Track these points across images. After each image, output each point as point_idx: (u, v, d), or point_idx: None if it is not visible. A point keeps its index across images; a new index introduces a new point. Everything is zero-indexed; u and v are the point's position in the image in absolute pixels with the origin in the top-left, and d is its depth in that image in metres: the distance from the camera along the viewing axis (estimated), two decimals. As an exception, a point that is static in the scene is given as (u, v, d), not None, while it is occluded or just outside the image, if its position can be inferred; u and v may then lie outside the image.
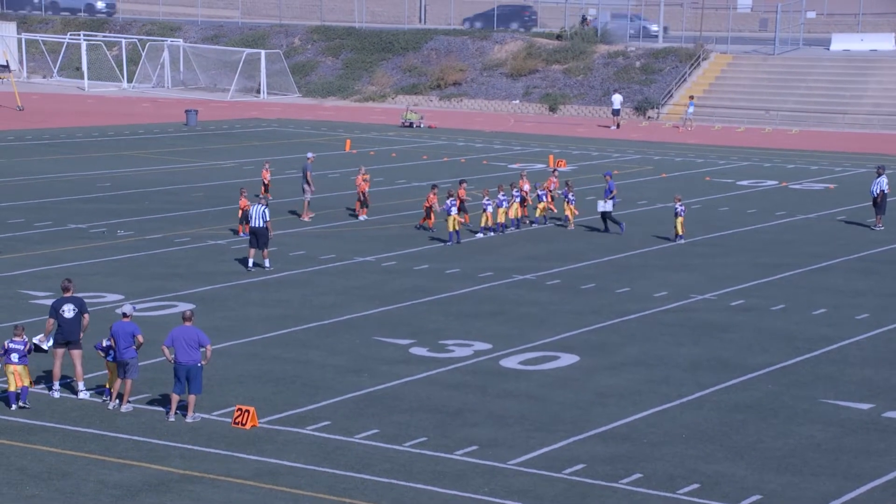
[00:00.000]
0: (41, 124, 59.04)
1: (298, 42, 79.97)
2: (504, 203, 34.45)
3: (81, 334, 20.00)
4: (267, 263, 29.20)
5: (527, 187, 36.12)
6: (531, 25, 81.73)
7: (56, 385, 20.01)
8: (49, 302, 21.82)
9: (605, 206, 34.35)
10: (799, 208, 39.55)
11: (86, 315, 20.01)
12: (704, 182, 45.54)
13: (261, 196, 31.43)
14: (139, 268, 29.26)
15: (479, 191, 36.67)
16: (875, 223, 36.31)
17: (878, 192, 36.19)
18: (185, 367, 18.77)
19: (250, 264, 29.19)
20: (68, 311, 19.86)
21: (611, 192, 34.56)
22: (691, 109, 63.02)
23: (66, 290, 20.18)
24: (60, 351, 19.96)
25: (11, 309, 24.89)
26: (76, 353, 19.89)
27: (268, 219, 29.04)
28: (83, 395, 19.92)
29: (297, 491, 16.46)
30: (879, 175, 36.39)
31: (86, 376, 20.05)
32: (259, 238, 29.04)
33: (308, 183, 35.62)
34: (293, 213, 36.74)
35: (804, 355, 23.24)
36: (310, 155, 37.05)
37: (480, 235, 33.74)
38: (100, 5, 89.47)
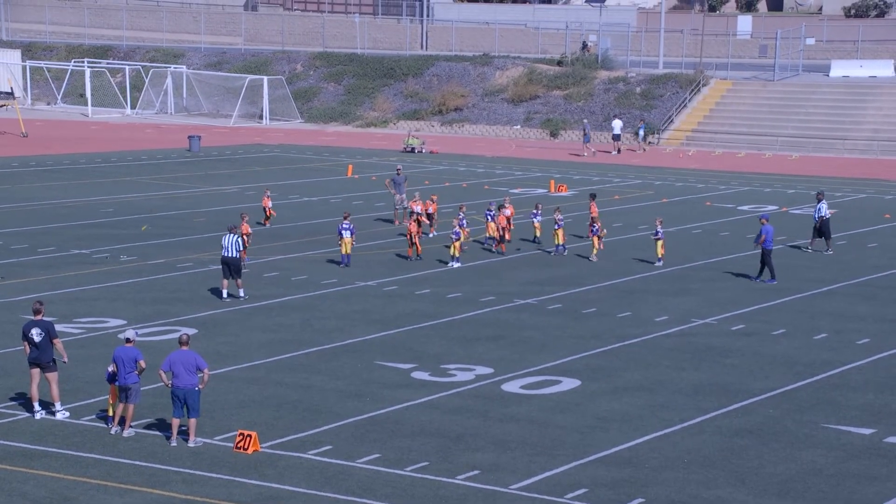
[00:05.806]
0: (45, 150, 59.19)
1: (301, 68, 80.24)
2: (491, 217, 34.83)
3: (64, 359, 20.00)
4: (241, 293, 28.72)
5: (507, 212, 35.81)
6: None
7: (36, 406, 20.02)
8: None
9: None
10: (799, 233, 39.58)
11: (55, 340, 19.85)
12: (705, 207, 45.65)
13: (233, 226, 29.69)
14: (142, 293, 29.32)
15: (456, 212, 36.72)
16: (825, 248, 36.16)
17: (818, 217, 36.21)
18: (183, 391, 18.80)
19: (224, 295, 28.64)
20: (36, 334, 19.83)
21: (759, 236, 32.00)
22: (641, 132, 65.35)
23: (36, 312, 20.10)
24: (35, 372, 19.94)
25: (15, 335, 24.89)
26: (51, 376, 19.89)
27: (241, 248, 28.83)
28: (61, 415, 19.95)
29: (298, 515, 16.47)
30: (819, 201, 36.32)
31: (89, 401, 20.05)
32: (231, 267, 28.51)
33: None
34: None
35: (805, 380, 23.26)
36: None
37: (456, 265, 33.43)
38: None
